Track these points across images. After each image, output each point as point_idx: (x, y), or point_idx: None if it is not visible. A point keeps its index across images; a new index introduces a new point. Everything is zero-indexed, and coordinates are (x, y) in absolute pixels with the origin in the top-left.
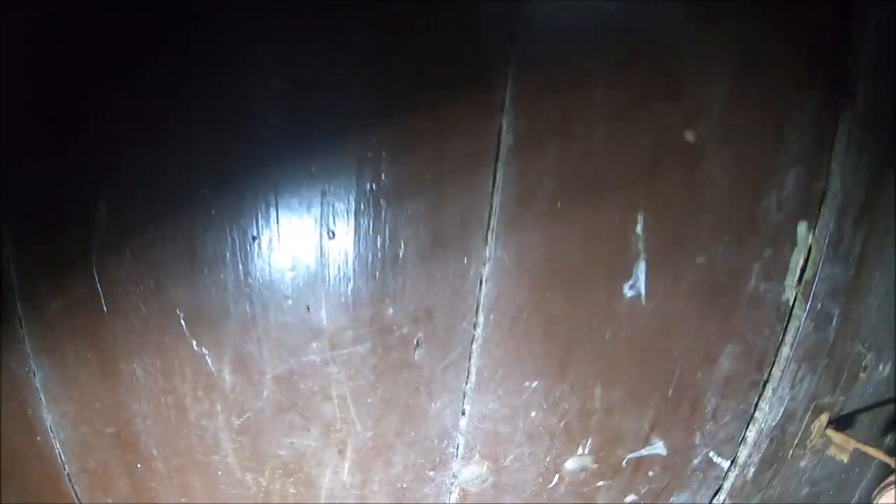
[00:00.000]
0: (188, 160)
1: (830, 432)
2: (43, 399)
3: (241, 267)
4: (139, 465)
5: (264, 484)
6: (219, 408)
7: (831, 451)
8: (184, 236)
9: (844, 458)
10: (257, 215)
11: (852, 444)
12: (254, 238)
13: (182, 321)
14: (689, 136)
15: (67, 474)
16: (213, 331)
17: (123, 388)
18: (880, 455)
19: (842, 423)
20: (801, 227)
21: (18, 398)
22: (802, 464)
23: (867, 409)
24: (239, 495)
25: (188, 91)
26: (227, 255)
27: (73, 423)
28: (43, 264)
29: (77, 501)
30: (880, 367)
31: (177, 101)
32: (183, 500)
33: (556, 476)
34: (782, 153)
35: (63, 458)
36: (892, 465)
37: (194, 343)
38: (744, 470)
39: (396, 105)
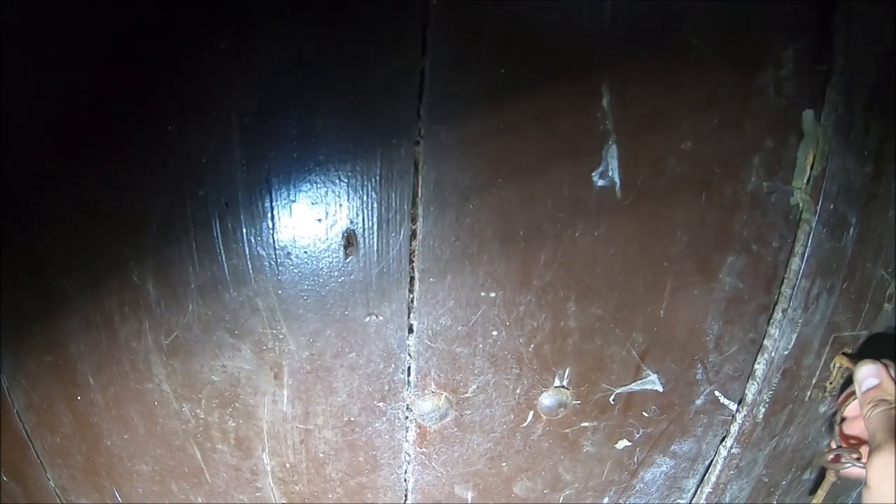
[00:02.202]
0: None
1: (839, 357)
2: None
3: (159, 157)
4: (79, 398)
5: (202, 416)
6: (147, 326)
7: (829, 381)
8: (106, 132)
9: (841, 380)
10: None
11: (844, 361)
12: (169, 127)
13: (105, 225)
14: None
15: (17, 412)
16: (136, 235)
17: (54, 308)
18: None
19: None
20: (808, 116)
21: None
22: (822, 409)
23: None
24: (179, 429)
25: None
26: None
27: (15, 353)
28: None
29: (29, 442)
30: None
31: None
32: (125, 436)
33: (531, 413)
34: (776, 23)
35: (10, 394)
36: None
37: (117, 251)
38: (753, 409)
39: None
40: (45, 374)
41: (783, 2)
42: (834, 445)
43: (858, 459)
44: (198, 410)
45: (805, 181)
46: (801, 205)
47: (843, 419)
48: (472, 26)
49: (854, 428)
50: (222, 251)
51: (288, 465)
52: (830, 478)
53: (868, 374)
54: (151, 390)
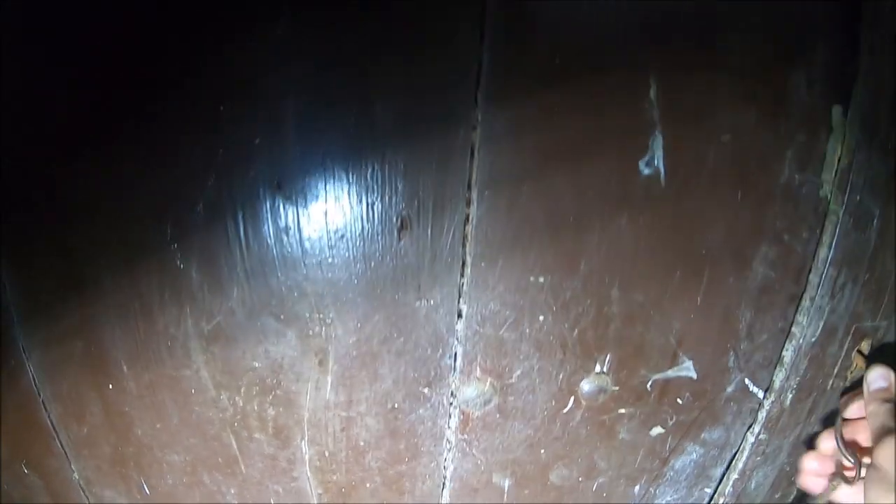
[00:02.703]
0: (155, 38)
1: (856, 355)
2: (14, 316)
3: (208, 137)
4: (110, 386)
5: (241, 404)
6: (187, 311)
7: (850, 372)
8: (149, 114)
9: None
10: None
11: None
12: (220, 108)
13: (147, 209)
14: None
15: (42, 401)
16: (180, 219)
17: (89, 295)
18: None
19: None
20: (836, 112)
21: None
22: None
23: None
24: (215, 418)
25: None
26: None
27: (44, 341)
28: (13, 157)
29: (54, 432)
30: None
31: None
32: (158, 425)
33: (572, 399)
34: (808, 24)
35: (37, 382)
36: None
37: (159, 235)
38: (780, 396)
39: None
40: (74, 363)
41: (815, 4)
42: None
43: (850, 471)
44: (237, 398)
45: (833, 174)
46: (828, 197)
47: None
48: (528, 17)
49: (852, 433)
50: (272, 234)
51: (327, 454)
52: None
53: (879, 376)
54: (188, 377)
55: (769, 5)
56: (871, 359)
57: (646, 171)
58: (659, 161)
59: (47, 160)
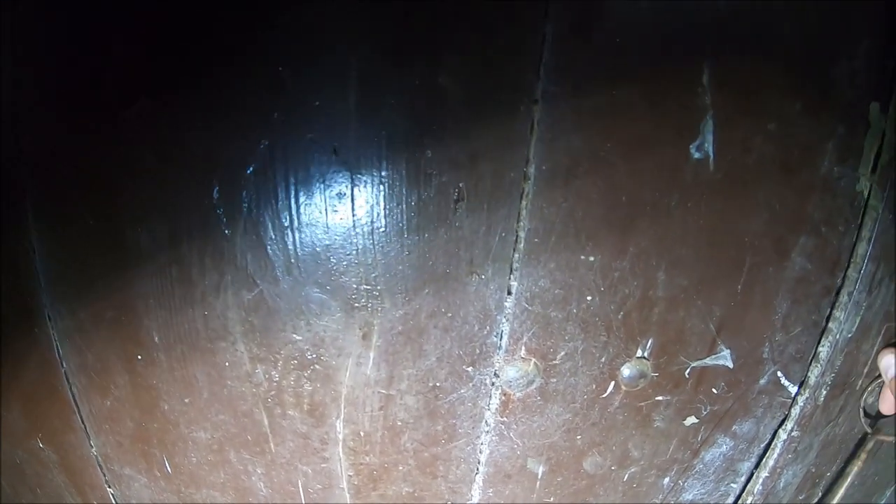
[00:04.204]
0: None
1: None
2: (42, 281)
3: (264, 97)
4: (139, 357)
5: (276, 379)
6: (228, 279)
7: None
8: (203, 71)
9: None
10: None
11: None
12: (279, 68)
13: (193, 171)
14: None
15: (65, 372)
16: (228, 182)
17: (126, 259)
18: None
19: None
20: (874, 108)
21: (16, 279)
22: (870, 400)
23: None
24: (248, 393)
25: None
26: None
27: (71, 308)
28: (53, 132)
29: (75, 405)
30: None
31: None
32: (186, 399)
33: (612, 384)
34: (852, 19)
35: (61, 352)
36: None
37: (205, 199)
38: (815, 392)
39: None
40: (103, 331)
41: (858, 2)
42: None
43: None
44: (273, 372)
45: (870, 169)
46: (865, 191)
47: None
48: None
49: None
50: (324, 200)
51: (362, 434)
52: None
53: (891, 363)
54: (224, 349)
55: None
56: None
57: (696, 155)
58: (709, 146)
59: (88, 116)
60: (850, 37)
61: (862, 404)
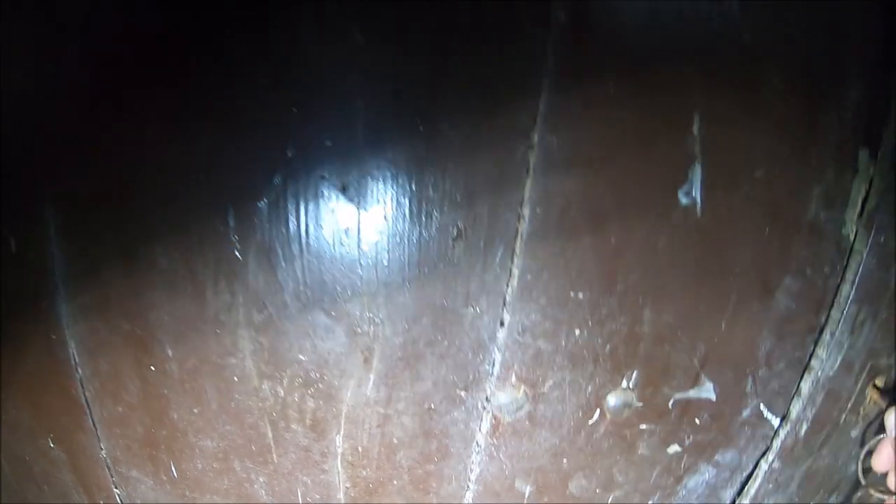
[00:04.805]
0: (230, 32)
1: (871, 388)
2: (61, 290)
3: (279, 136)
4: (152, 368)
5: (282, 394)
6: (240, 300)
7: (864, 407)
8: (222, 106)
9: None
10: None
11: (884, 405)
12: (293, 109)
13: (209, 197)
14: (746, 37)
15: (79, 378)
16: (243, 211)
17: (142, 275)
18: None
19: None
20: (863, 154)
21: (34, 288)
22: (854, 433)
23: None
24: (255, 407)
25: None
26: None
27: (88, 317)
28: (71, 140)
29: (87, 409)
30: None
31: None
32: (195, 410)
33: (598, 411)
34: (842, 70)
35: (76, 358)
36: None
37: (221, 224)
38: (796, 426)
39: None
40: (118, 342)
41: (851, 46)
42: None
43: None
44: (278, 388)
45: (857, 214)
46: (851, 235)
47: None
48: (589, 50)
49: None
50: (332, 234)
51: (360, 449)
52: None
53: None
54: (233, 365)
55: (809, 45)
56: (886, 394)
57: (684, 200)
58: (697, 191)
59: (111, 141)
60: (840, 85)
61: (861, 456)
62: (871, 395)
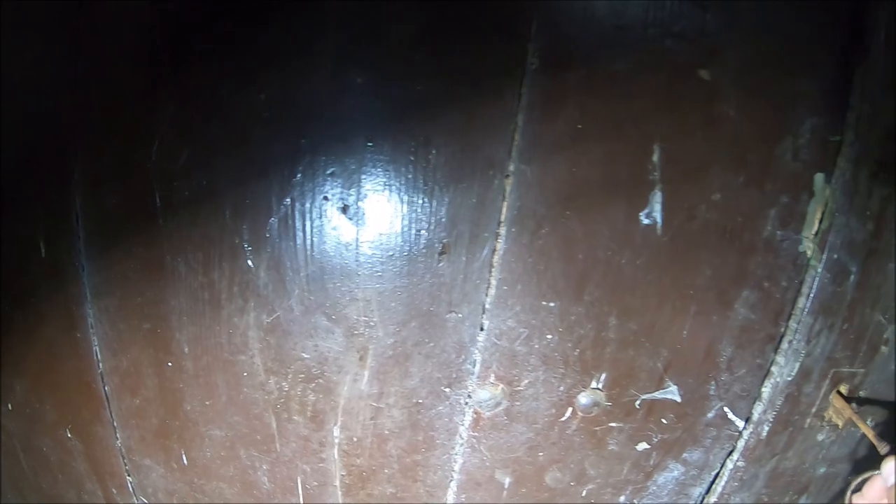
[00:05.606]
0: (250, 73)
1: (834, 395)
2: (88, 295)
3: (288, 163)
4: (169, 364)
5: (286, 388)
6: (251, 305)
7: (829, 412)
8: (240, 136)
9: (839, 423)
10: None
11: (848, 412)
12: (302, 140)
13: (227, 216)
14: (704, 74)
15: (101, 373)
16: (256, 227)
17: (165, 282)
18: (869, 434)
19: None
20: (819, 179)
21: (64, 293)
22: (820, 437)
23: None
24: (261, 399)
25: None
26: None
27: (112, 319)
28: (106, 163)
29: (106, 402)
30: None
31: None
32: (207, 402)
33: (569, 410)
34: (797, 102)
35: (99, 355)
36: (881, 451)
37: (236, 238)
38: (758, 427)
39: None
40: (139, 340)
41: (807, 81)
42: None
43: None
44: (283, 383)
45: (814, 233)
46: (808, 252)
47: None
48: (559, 89)
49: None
50: (334, 248)
51: (355, 439)
52: None
53: (892, 471)
54: (243, 362)
55: (765, 77)
56: (850, 401)
57: (646, 221)
58: (657, 213)
59: (139, 167)
60: (795, 116)
61: (849, 493)
62: (835, 401)
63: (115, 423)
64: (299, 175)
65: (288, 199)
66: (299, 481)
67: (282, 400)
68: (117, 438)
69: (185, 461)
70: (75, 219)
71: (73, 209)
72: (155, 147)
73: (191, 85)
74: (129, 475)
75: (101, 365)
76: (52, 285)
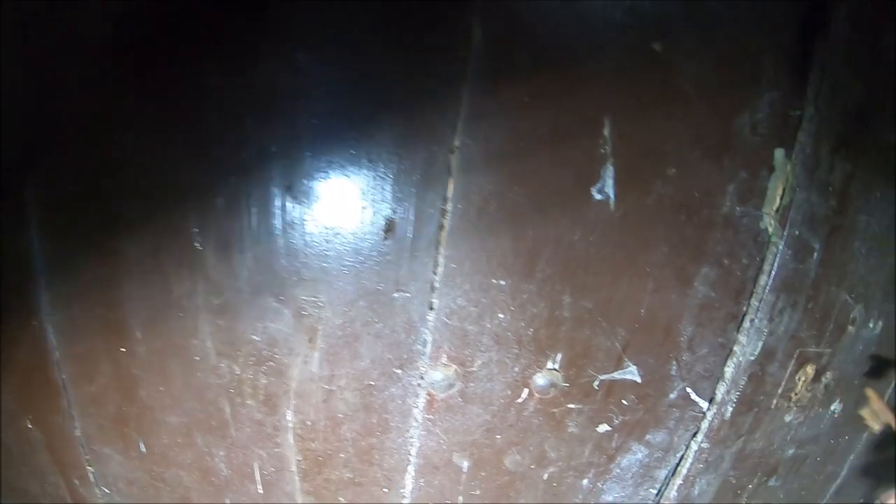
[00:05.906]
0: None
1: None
2: (41, 279)
3: (233, 143)
4: (123, 350)
5: (238, 372)
6: (201, 287)
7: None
8: (186, 118)
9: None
10: None
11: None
12: (246, 119)
13: (175, 198)
14: (657, 46)
15: (56, 361)
16: (202, 208)
17: (117, 266)
18: None
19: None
20: (779, 154)
21: (19, 277)
22: (787, 418)
23: None
24: (214, 384)
25: None
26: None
27: (66, 303)
28: (61, 151)
29: (63, 390)
30: (870, 324)
31: None
32: (161, 388)
33: (525, 391)
34: (756, 75)
35: (54, 342)
36: None
37: (184, 220)
38: (721, 408)
39: None
40: (92, 327)
41: (766, 55)
42: None
43: None
44: (234, 367)
45: (774, 209)
46: (769, 229)
47: None
48: (504, 63)
49: None
50: (280, 227)
51: (308, 423)
52: None
53: None
54: (195, 346)
55: (722, 50)
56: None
57: (597, 197)
58: (609, 189)
59: (92, 142)
60: (754, 90)
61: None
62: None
63: (74, 412)
64: (244, 154)
65: (233, 179)
66: (256, 467)
67: (234, 384)
68: (76, 427)
69: (143, 449)
70: (30, 205)
71: (28, 196)
72: (107, 134)
73: (138, 70)
74: (89, 465)
75: (56, 352)
76: (7, 272)
